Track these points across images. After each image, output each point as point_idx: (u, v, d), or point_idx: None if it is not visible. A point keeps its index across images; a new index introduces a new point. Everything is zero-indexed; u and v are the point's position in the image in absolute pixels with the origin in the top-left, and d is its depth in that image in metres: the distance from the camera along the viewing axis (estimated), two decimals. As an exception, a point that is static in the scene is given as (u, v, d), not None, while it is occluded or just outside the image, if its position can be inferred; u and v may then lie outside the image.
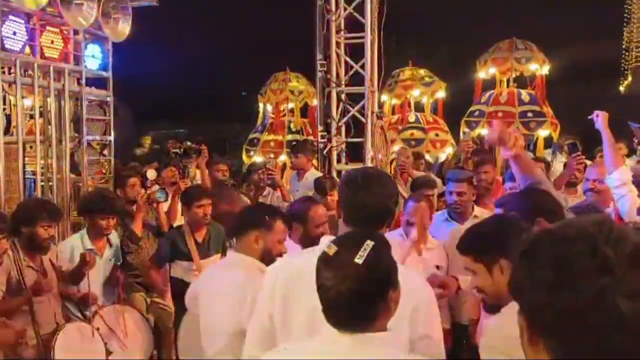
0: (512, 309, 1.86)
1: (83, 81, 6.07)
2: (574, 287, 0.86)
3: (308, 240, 3.38)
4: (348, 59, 7.68)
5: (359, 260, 1.56)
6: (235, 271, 2.84)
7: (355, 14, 7.53)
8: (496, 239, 1.96)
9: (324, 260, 1.62)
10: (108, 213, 4.61)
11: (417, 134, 10.55)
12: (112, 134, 6.48)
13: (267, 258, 2.83)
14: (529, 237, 1.02)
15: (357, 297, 1.56)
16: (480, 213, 4.36)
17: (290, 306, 2.04)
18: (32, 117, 6.20)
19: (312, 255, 2.18)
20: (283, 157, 10.40)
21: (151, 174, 5.65)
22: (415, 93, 11.25)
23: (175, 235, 4.84)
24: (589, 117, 4.13)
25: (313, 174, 6.94)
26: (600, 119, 4.05)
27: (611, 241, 0.89)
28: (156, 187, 5.43)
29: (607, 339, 0.85)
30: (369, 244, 1.59)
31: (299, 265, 2.10)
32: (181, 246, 4.71)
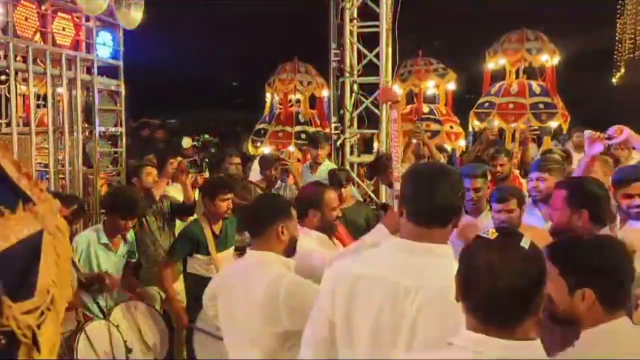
0: (585, 345, 1.78)
1: (95, 70, 5.92)
2: None
3: (326, 225, 3.39)
4: (362, 48, 7.54)
5: (524, 244, 1.48)
6: (263, 271, 2.63)
7: (370, 3, 7.39)
8: (590, 267, 1.86)
9: (485, 244, 1.50)
10: (131, 215, 4.51)
11: (434, 126, 10.38)
12: (124, 125, 6.34)
13: (293, 246, 2.74)
14: None
15: (522, 282, 1.45)
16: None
17: (353, 315, 1.91)
18: (38, 107, 6.06)
19: (368, 259, 2.07)
20: (291, 149, 10.25)
21: (187, 142, 5.54)
22: (429, 84, 11.09)
23: (193, 228, 4.73)
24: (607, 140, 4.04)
25: (327, 166, 6.81)
26: (625, 134, 3.95)
27: None
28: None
29: None
30: (522, 234, 1.50)
31: (357, 269, 1.96)
32: (200, 239, 4.61)
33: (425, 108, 10.95)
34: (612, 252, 1.93)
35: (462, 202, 2.01)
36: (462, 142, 10.54)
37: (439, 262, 1.88)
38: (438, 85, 11.15)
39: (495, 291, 1.45)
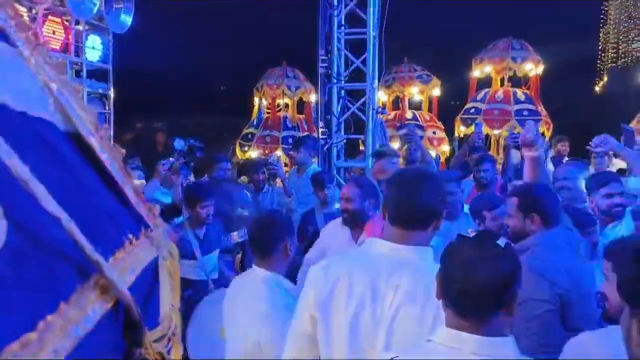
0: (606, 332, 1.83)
1: (84, 73, 5.97)
2: None
3: None
4: (349, 55, 7.63)
5: (501, 242, 1.54)
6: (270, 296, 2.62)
7: (357, 10, 7.49)
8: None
9: (463, 243, 1.57)
10: None
11: (416, 131, 10.51)
12: (112, 127, 6.38)
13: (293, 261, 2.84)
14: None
15: (496, 278, 1.51)
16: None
17: (332, 313, 1.97)
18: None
19: (351, 259, 2.16)
20: (279, 153, 10.33)
21: (179, 143, 5.54)
22: (413, 90, 11.23)
23: (177, 231, 4.77)
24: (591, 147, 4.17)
25: (314, 170, 6.88)
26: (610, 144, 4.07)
27: None
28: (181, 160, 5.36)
29: None
30: (499, 235, 1.59)
31: (340, 269, 2.02)
32: (183, 243, 4.64)
33: (409, 114, 11.09)
34: None
35: (443, 206, 2.05)
36: (445, 148, 10.67)
37: (418, 263, 1.94)
38: (422, 91, 11.30)
39: (470, 286, 1.51)
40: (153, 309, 0.98)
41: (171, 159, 5.15)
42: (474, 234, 1.61)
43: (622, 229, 3.48)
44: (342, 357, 1.95)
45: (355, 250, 2.17)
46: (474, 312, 1.53)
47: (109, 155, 0.98)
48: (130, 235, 0.92)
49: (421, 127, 10.49)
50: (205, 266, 4.56)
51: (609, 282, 1.94)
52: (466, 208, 4.49)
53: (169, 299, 1.03)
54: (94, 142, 0.96)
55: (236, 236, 5.07)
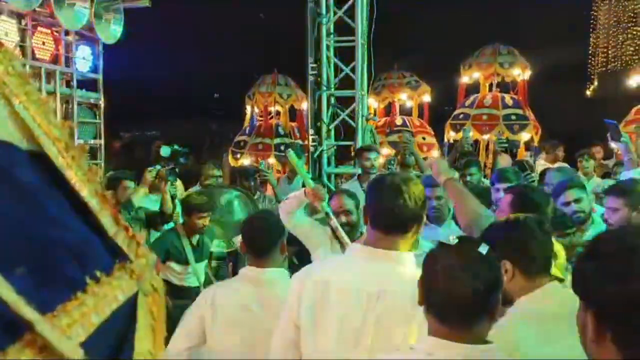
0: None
1: (74, 83, 6.01)
2: None
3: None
4: (338, 62, 7.71)
5: (482, 250, 1.56)
6: (280, 286, 2.63)
7: (346, 18, 7.57)
8: (502, 241, 1.96)
9: (446, 251, 1.59)
10: None
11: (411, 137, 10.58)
12: (103, 137, 6.41)
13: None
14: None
15: (478, 285, 1.52)
16: None
17: (319, 320, 1.99)
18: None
19: (334, 265, 2.18)
20: (271, 160, 10.37)
21: (166, 150, 5.50)
22: (402, 96, 11.31)
23: (171, 235, 4.81)
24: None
25: (304, 177, 6.93)
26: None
27: None
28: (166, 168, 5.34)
29: None
30: (480, 241, 1.63)
31: (324, 276, 2.05)
32: (176, 248, 4.68)
33: (399, 120, 11.17)
34: (516, 223, 2.10)
35: (424, 212, 2.10)
36: (435, 153, 10.74)
37: (400, 268, 1.98)
38: (411, 97, 11.38)
39: (452, 293, 1.53)
40: (127, 354, 0.84)
41: (158, 166, 5.16)
42: (455, 240, 1.62)
43: (590, 235, 3.54)
44: None
45: (337, 257, 2.20)
46: (457, 320, 1.54)
47: (82, 178, 0.86)
48: (98, 273, 0.79)
49: (410, 133, 10.55)
50: (198, 273, 4.60)
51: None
52: (453, 212, 4.57)
53: (146, 344, 0.86)
54: (62, 163, 0.84)
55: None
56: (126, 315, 0.84)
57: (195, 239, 4.77)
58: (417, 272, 1.68)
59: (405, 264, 1.99)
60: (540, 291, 1.94)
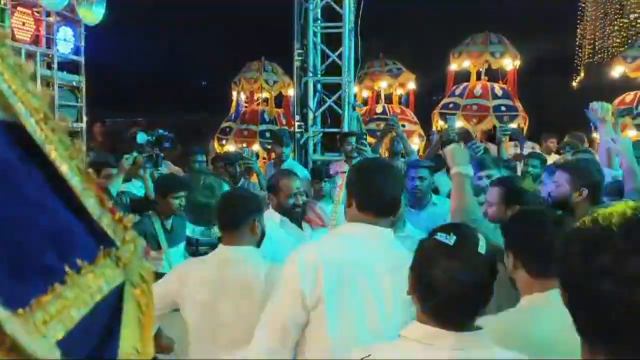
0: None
1: (55, 65, 5.88)
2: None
3: (282, 210, 3.63)
4: (325, 49, 7.63)
5: (482, 250, 1.53)
6: (247, 266, 2.66)
7: (333, 4, 7.49)
8: (509, 229, 2.06)
9: (444, 250, 1.53)
10: None
11: (384, 125, 10.52)
12: (85, 120, 6.30)
13: (262, 239, 2.83)
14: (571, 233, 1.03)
15: (480, 288, 1.53)
16: (439, 200, 4.48)
17: (342, 298, 1.99)
18: None
19: (341, 244, 2.13)
20: (256, 147, 10.30)
21: (142, 137, 5.36)
22: (382, 84, 11.26)
23: (145, 222, 4.71)
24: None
25: (291, 164, 6.87)
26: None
27: None
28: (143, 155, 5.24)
29: None
30: (480, 235, 1.57)
31: (339, 255, 2.04)
32: (150, 233, 4.58)
33: (379, 108, 11.13)
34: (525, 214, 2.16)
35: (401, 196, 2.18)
36: (415, 141, 10.70)
37: (390, 241, 2.10)
38: (391, 85, 11.32)
39: (452, 296, 1.50)
40: (112, 349, 0.76)
41: (134, 153, 5.05)
42: (452, 238, 1.55)
43: None
44: (352, 340, 1.91)
45: (340, 236, 2.19)
46: (453, 318, 1.53)
47: (63, 153, 0.76)
48: (80, 261, 0.70)
49: (396, 117, 10.47)
50: (171, 258, 4.49)
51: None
52: (435, 198, 4.54)
53: (132, 339, 0.79)
54: (41, 136, 0.74)
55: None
56: (111, 308, 0.76)
57: (169, 222, 4.66)
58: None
59: (392, 239, 2.12)
60: (540, 299, 1.90)
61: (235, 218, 2.71)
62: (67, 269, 0.67)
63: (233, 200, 2.87)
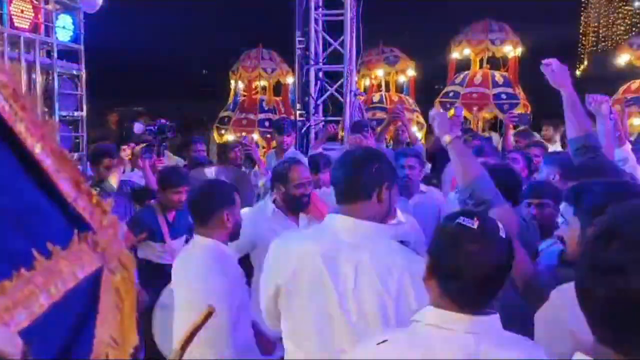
0: None
1: (54, 53, 5.82)
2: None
3: (290, 200, 3.58)
4: (327, 36, 7.57)
5: (502, 234, 1.56)
6: (202, 259, 2.75)
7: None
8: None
9: (469, 234, 1.55)
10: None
11: (380, 114, 10.45)
12: (85, 109, 6.24)
13: (237, 231, 2.86)
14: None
15: (502, 271, 1.56)
16: (427, 189, 4.54)
17: (300, 285, 2.05)
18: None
19: (315, 234, 2.20)
20: (255, 136, 10.25)
21: (138, 127, 5.28)
22: (379, 72, 11.17)
23: (147, 214, 4.68)
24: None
25: (293, 153, 6.83)
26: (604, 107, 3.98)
27: None
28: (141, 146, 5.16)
29: None
30: (497, 222, 1.60)
31: (317, 248, 2.04)
32: (152, 226, 4.55)
33: (377, 96, 11.04)
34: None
35: (382, 177, 2.06)
36: (413, 129, 10.64)
37: (376, 239, 2.04)
38: (388, 72, 11.23)
39: (477, 279, 1.53)
40: (87, 337, 0.70)
41: (131, 143, 4.98)
42: (473, 218, 1.58)
43: None
44: (310, 334, 2.03)
45: (315, 227, 2.25)
46: (474, 300, 1.56)
47: (35, 132, 0.70)
48: (50, 245, 0.65)
49: (386, 110, 10.40)
50: (174, 250, 4.47)
51: (569, 227, 1.98)
52: (423, 187, 4.56)
53: (109, 328, 0.73)
54: (10, 114, 0.68)
55: None
56: (86, 296, 0.70)
57: (171, 215, 4.63)
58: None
59: (380, 236, 2.08)
60: None
61: (205, 211, 2.76)
62: (35, 253, 0.63)
63: (204, 192, 2.89)
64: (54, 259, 0.65)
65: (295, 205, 3.62)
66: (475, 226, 1.54)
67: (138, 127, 5.20)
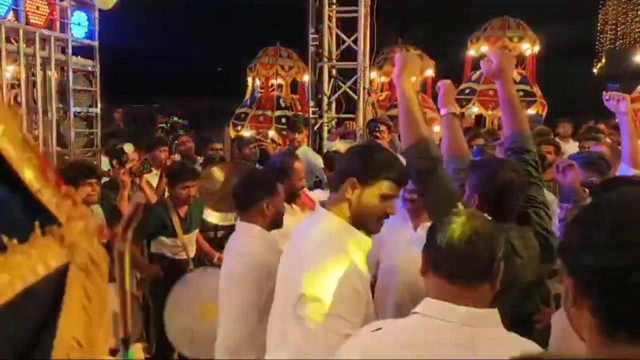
0: None
1: (69, 50, 5.86)
2: (629, 249, 0.89)
3: (291, 192, 3.60)
4: (340, 33, 7.55)
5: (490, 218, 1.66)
6: (241, 240, 2.87)
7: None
8: None
9: (463, 217, 1.62)
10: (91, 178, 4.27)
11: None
12: (99, 105, 6.29)
13: (279, 219, 2.91)
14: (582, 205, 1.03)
15: (494, 248, 1.57)
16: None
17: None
18: (13, 86, 6.02)
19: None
20: (271, 133, 10.27)
21: (128, 147, 5.15)
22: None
23: (160, 209, 4.70)
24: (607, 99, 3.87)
25: (305, 150, 6.82)
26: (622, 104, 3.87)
27: None
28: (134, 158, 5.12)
29: None
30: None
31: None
32: (165, 221, 4.57)
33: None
34: None
35: (352, 166, 2.06)
36: (436, 128, 10.59)
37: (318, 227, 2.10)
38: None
39: (470, 257, 1.55)
40: (49, 339, 0.66)
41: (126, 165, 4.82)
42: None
43: None
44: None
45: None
46: (467, 279, 1.56)
47: None
48: (6, 239, 0.61)
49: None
50: (187, 245, 4.50)
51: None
52: None
53: (72, 329, 0.67)
54: None
55: None
56: (49, 294, 0.65)
57: (183, 211, 4.64)
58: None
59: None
60: None
61: (246, 200, 2.86)
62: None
63: (246, 181, 2.99)
64: (10, 253, 0.60)
65: (293, 197, 3.68)
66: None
67: (128, 147, 5.08)
